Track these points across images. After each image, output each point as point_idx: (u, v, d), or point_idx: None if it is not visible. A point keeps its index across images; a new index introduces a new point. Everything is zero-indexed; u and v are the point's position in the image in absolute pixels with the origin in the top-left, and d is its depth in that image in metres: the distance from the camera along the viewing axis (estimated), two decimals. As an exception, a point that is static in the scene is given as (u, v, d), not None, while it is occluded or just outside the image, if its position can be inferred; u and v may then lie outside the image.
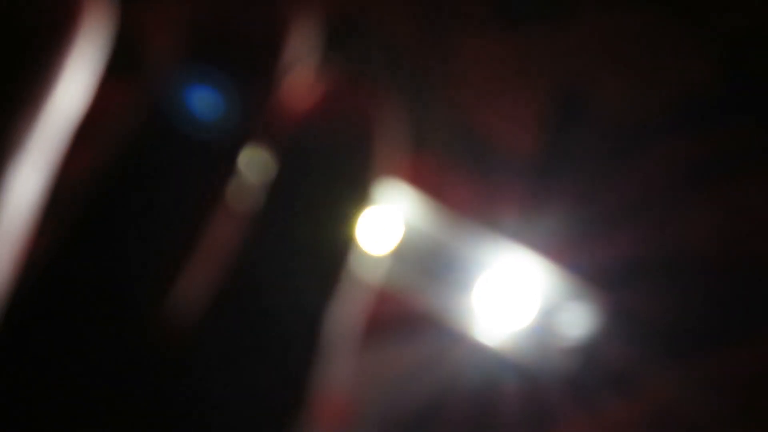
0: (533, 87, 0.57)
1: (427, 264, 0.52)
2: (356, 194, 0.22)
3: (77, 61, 0.19)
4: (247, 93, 0.21)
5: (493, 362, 0.54)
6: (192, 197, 0.20)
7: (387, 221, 0.52)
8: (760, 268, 0.56)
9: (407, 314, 0.54)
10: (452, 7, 0.57)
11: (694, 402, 0.54)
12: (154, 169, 0.20)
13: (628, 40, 0.58)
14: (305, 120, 0.22)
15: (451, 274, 0.53)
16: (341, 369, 0.21)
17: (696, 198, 0.57)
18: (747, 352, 0.55)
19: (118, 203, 0.20)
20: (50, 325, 0.19)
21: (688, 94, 0.57)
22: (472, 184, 0.56)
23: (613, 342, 0.54)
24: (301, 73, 0.22)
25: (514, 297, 0.53)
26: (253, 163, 0.21)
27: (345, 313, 0.21)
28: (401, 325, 0.54)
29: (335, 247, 0.22)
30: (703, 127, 0.57)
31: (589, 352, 0.53)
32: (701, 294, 0.56)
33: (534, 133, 0.56)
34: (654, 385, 0.55)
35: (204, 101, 0.21)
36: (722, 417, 0.54)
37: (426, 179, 0.55)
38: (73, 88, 0.20)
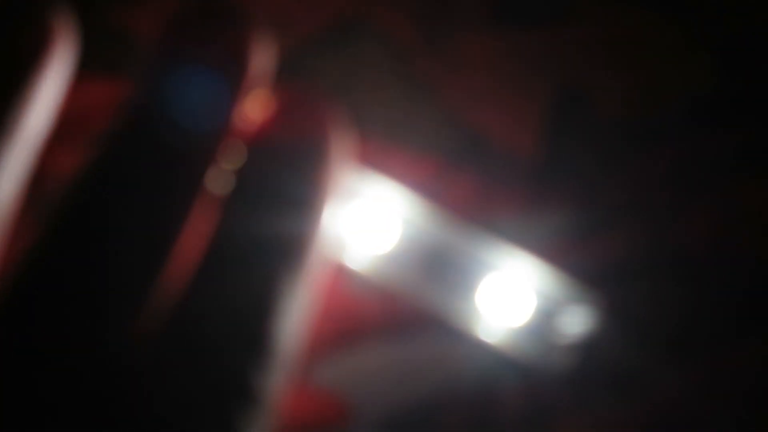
0: (533, 87, 0.57)
1: (425, 264, 0.52)
2: (312, 198, 0.23)
3: (47, 80, 0.22)
4: (216, 101, 0.22)
5: (493, 362, 0.54)
6: (167, 198, 0.21)
7: (384, 221, 0.52)
8: (760, 269, 0.56)
9: (407, 314, 0.54)
10: (451, 7, 0.57)
11: (694, 402, 0.54)
12: (132, 170, 0.21)
13: (628, 40, 0.58)
14: (263, 129, 0.23)
15: (451, 274, 0.53)
16: (291, 367, 0.21)
17: (696, 198, 0.57)
18: (747, 352, 0.55)
19: (96, 204, 0.21)
20: (26, 324, 0.20)
21: (688, 94, 0.57)
22: (471, 184, 0.56)
23: (613, 342, 0.54)
24: (261, 87, 0.23)
25: (514, 297, 0.53)
26: (218, 171, 0.22)
27: (298, 313, 0.22)
28: (401, 324, 0.54)
29: (293, 249, 0.22)
30: (703, 128, 0.57)
31: (589, 352, 0.53)
32: (701, 294, 0.56)
33: (533, 134, 0.56)
34: (654, 385, 0.55)
35: (179, 102, 0.22)
36: (722, 417, 0.54)
37: (423, 178, 0.55)
38: (43, 104, 0.22)
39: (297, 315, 0.22)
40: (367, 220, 0.52)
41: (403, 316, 0.54)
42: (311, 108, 0.23)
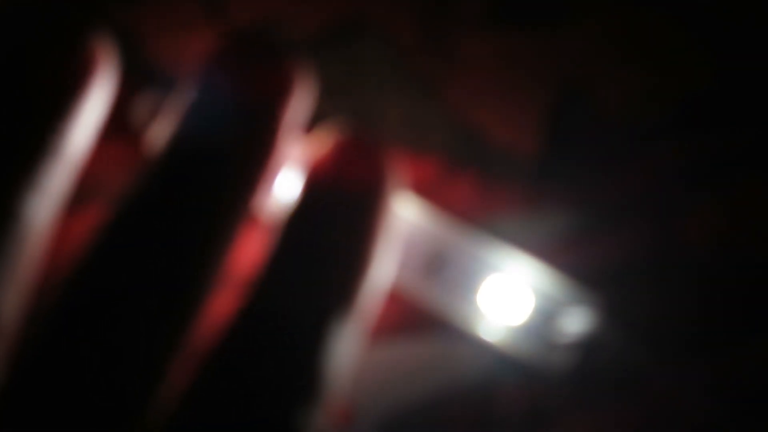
0: (533, 87, 0.57)
1: (425, 264, 0.52)
2: (367, 243, 0.23)
3: (87, 109, 0.22)
4: (257, 137, 0.22)
5: (493, 362, 0.54)
6: (207, 235, 0.21)
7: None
8: (760, 269, 0.56)
9: (406, 314, 0.54)
10: (452, 7, 0.57)
11: (694, 402, 0.54)
12: (168, 212, 0.21)
13: (629, 40, 0.58)
14: (315, 176, 0.23)
15: (451, 274, 0.53)
16: (336, 404, 0.21)
17: (696, 198, 0.57)
18: (747, 352, 0.55)
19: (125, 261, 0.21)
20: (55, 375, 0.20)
21: (688, 94, 0.57)
22: (471, 184, 0.56)
23: (613, 342, 0.54)
24: (304, 130, 0.24)
25: (514, 297, 0.53)
26: (271, 203, 0.22)
27: (346, 355, 0.22)
28: (401, 324, 0.54)
29: (344, 293, 0.22)
30: (703, 128, 0.57)
31: (589, 353, 0.53)
32: (702, 294, 0.56)
33: (534, 134, 0.56)
34: (653, 386, 0.55)
35: (217, 137, 0.21)
36: (723, 417, 0.54)
37: (425, 179, 0.55)
38: (84, 129, 0.23)
39: (348, 352, 0.22)
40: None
41: (403, 316, 0.54)
42: (367, 152, 0.23)
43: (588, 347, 0.53)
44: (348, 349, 0.21)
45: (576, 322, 0.53)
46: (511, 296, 0.53)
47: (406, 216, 0.52)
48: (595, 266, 0.55)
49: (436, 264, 0.52)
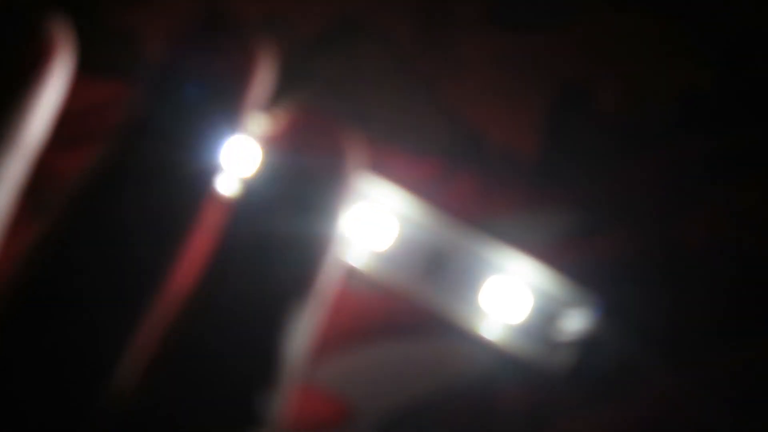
0: (532, 88, 0.57)
1: (425, 264, 0.52)
2: (323, 215, 0.23)
3: (45, 89, 0.22)
4: (219, 113, 0.22)
5: (493, 362, 0.54)
6: (168, 213, 0.21)
7: (383, 220, 0.52)
8: (760, 269, 0.56)
9: (406, 313, 0.54)
10: (451, 8, 0.57)
11: (692, 402, 0.54)
12: (133, 183, 0.21)
13: (628, 41, 0.58)
14: (275, 143, 0.23)
15: (450, 274, 0.53)
16: (295, 381, 0.21)
17: (696, 198, 0.57)
18: (747, 352, 0.55)
19: (96, 215, 0.21)
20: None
21: (687, 94, 0.57)
22: (471, 184, 0.56)
23: (613, 342, 0.54)
24: (268, 101, 0.24)
25: (513, 297, 0.53)
26: (229, 179, 0.22)
27: (306, 332, 0.22)
28: (401, 324, 0.54)
29: (304, 266, 0.22)
30: (702, 128, 0.57)
31: (588, 352, 0.53)
32: (701, 294, 0.56)
33: (533, 134, 0.56)
34: (651, 385, 0.55)
35: (181, 114, 0.21)
36: (720, 417, 0.54)
37: (425, 179, 0.55)
38: (41, 113, 0.22)
39: (306, 334, 0.21)
40: (365, 219, 0.52)
41: (403, 315, 0.54)
42: (324, 124, 0.23)
43: (588, 347, 0.53)
44: (306, 331, 0.21)
45: (576, 322, 0.53)
46: (511, 296, 0.53)
47: (406, 216, 0.52)
48: (595, 266, 0.55)
49: (435, 264, 0.52)
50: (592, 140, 0.57)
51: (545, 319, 0.53)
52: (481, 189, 0.55)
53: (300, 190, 0.22)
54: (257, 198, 0.22)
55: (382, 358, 0.54)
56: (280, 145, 0.23)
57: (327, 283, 0.22)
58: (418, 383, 0.54)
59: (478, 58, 0.57)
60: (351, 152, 0.23)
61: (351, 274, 0.52)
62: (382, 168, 0.53)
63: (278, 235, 0.21)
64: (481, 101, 0.57)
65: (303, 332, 0.21)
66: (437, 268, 0.52)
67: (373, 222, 0.52)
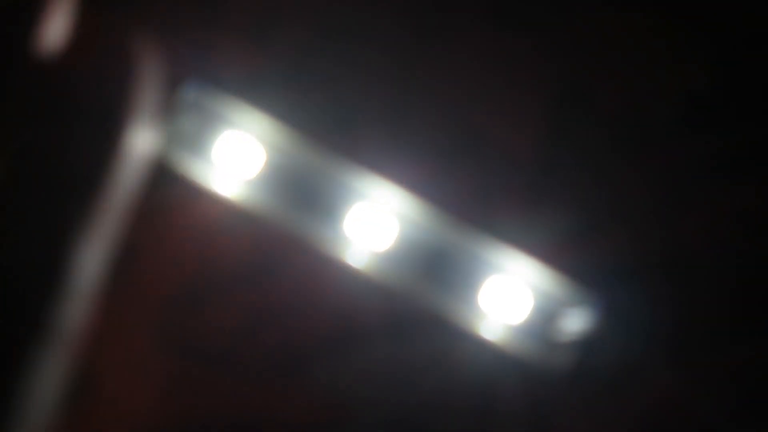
0: (531, 88, 0.57)
1: (425, 263, 0.52)
2: (112, 124, 0.22)
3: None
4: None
5: (493, 362, 0.54)
6: None
7: (383, 220, 0.52)
8: (759, 268, 0.56)
9: (407, 313, 0.54)
10: (450, 9, 0.57)
11: (694, 402, 0.54)
12: None
13: (628, 40, 0.58)
14: (63, 54, 0.22)
15: (451, 274, 0.53)
16: (85, 309, 0.21)
17: (696, 197, 0.57)
18: (747, 352, 0.55)
19: None
20: None
21: (687, 94, 0.57)
22: (471, 184, 0.56)
23: (613, 341, 0.54)
24: (60, 21, 0.23)
25: (514, 297, 0.53)
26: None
27: (96, 248, 0.21)
28: (401, 324, 0.54)
29: (88, 181, 0.22)
30: (702, 127, 0.57)
31: (589, 352, 0.53)
32: (698, 294, 0.56)
33: (532, 134, 0.56)
34: (651, 384, 0.55)
35: None
36: (722, 417, 0.54)
37: (424, 179, 0.55)
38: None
39: (95, 250, 0.21)
40: (365, 219, 0.52)
41: (403, 315, 0.54)
42: (115, 36, 0.23)
43: (588, 347, 0.53)
44: (99, 243, 0.21)
45: (576, 322, 0.53)
46: (510, 296, 0.53)
47: (406, 216, 0.52)
48: (595, 266, 0.55)
49: (435, 264, 0.52)
50: (592, 140, 0.57)
51: (545, 319, 0.53)
52: (481, 189, 0.55)
53: (80, 100, 0.21)
54: (39, 107, 0.22)
55: (383, 359, 0.54)
56: (64, 56, 0.22)
57: (113, 203, 0.22)
58: (418, 383, 0.54)
59: (477, 59, 0.57)
60: (144, 79, 0.23)
61: (352, 275, 0.52)
62: (382, 168, 0.53)
63: (62, 154, 0.21)
64: (481, 102, 0.57)
65: (93, 251, 0.21)
66: (437, 268, 0.52)
67: (373, 222, 0.52)
